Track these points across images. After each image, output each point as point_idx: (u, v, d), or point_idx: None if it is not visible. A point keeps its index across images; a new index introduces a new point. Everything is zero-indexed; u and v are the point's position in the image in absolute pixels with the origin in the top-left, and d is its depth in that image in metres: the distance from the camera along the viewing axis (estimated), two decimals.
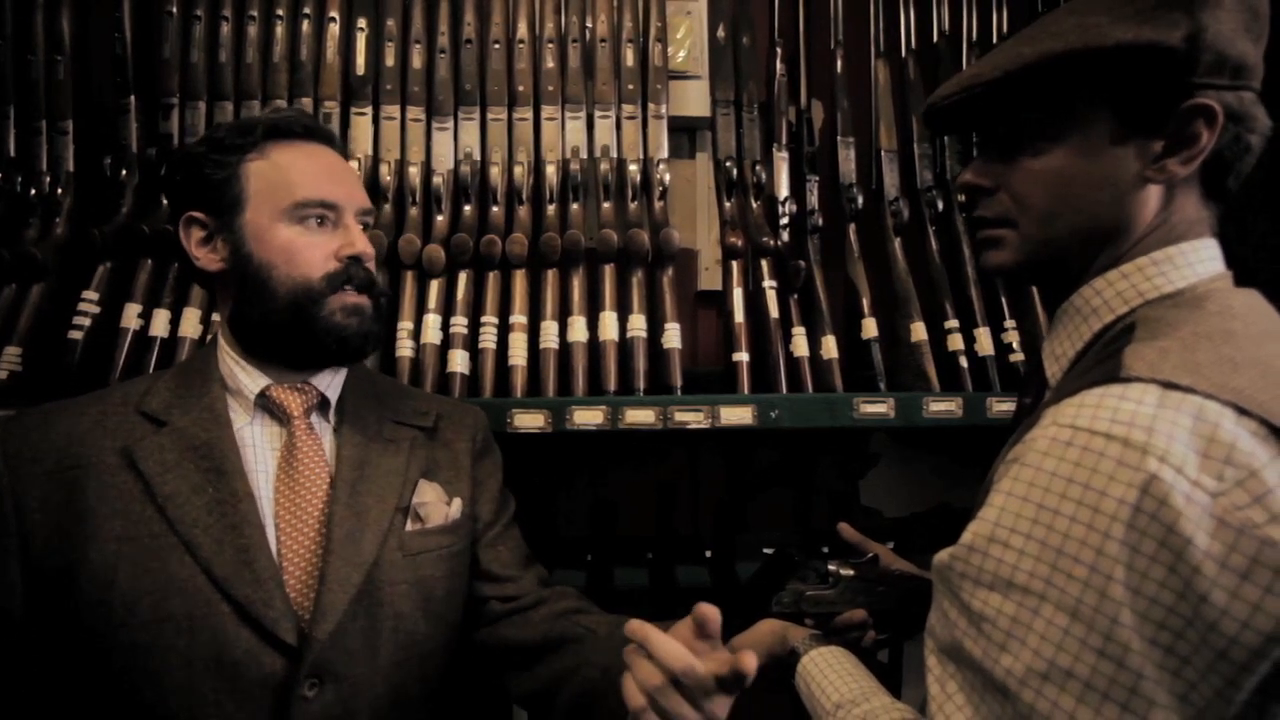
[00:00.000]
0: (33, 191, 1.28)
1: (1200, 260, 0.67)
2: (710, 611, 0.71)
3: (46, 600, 0.80)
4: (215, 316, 1.24)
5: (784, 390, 1.29)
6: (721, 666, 0.69)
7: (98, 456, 0.82)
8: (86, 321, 1.22)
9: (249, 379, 0.88)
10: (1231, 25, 0.64)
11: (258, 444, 0.87)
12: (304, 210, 0.86)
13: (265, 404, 0.89)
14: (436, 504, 0.93)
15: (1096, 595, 0.55)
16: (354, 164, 1.31)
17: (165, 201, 1.25)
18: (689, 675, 0.68)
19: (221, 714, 0.78)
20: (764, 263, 1.35)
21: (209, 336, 1.23)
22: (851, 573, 0.93)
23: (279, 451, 0.87)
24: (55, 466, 0.82)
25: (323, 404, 0.92)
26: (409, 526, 0.90)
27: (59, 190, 1.28)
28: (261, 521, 0.82)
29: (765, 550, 1.07)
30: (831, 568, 0.94)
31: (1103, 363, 0.64)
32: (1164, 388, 0.57)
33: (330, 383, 0.92)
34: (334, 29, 1.34)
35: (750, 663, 0.68)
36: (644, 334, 1.28)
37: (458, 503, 0.95)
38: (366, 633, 0.84)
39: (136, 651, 0.78)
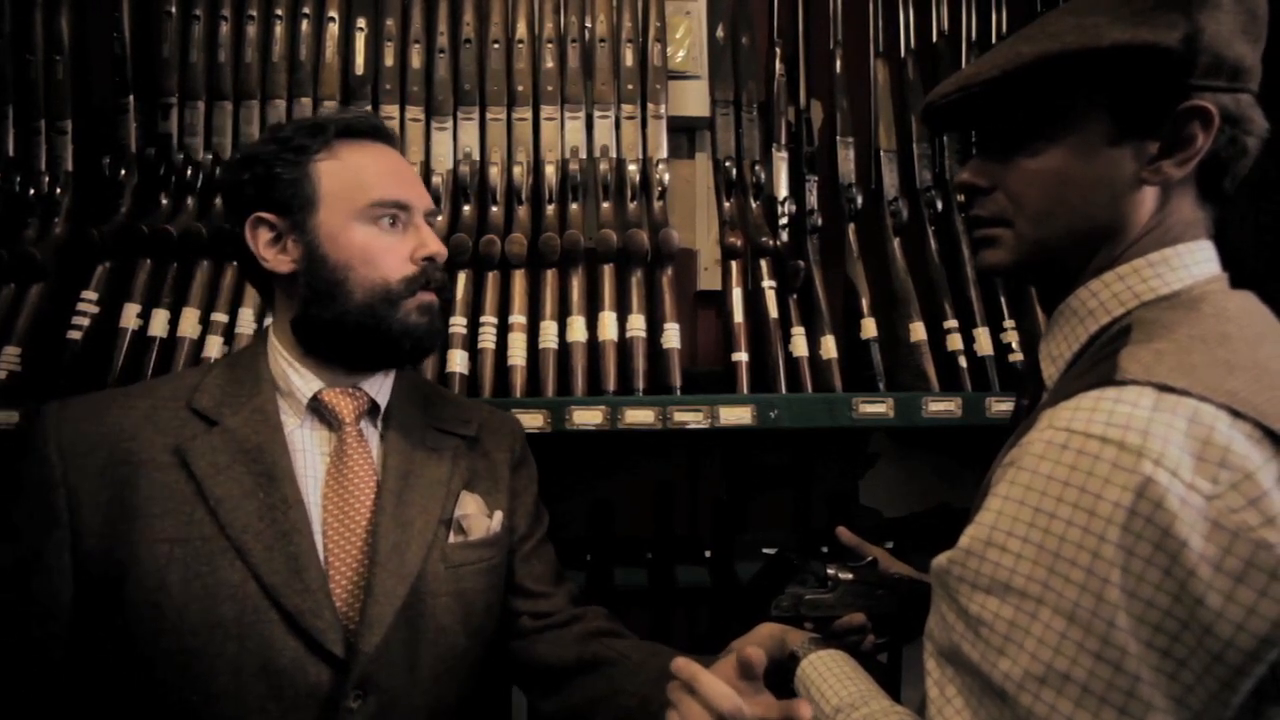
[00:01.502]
0: (32, 191, 1.28)
1: (1196, 262, 0.67)
2: (756, 655, 0.73)
3: (95, 597, 0.79)
4: (215, 316, 1.24)
5: (783, 390, 1.29)
6: (770, 711, 0.72)
7: (149, 454, 0.81)
8: (85, 321, 1.22)
9: (302, 381, 0.87)
10: (1230, 27, 0.64)
11: (308, 449, 0.86)
12: (379, 210, 0.86)
13: (317, 408, 0.87)
14: (478, 516, 0.92)
15: (1093, 598, 0.55)
16: None
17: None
18: (737, 717, 0.69)
19: None
20: (763, 263, 1.35)
21: (207, 337, 1.23)
22: (850, 576, 0.93)
23: (328, 457, 0.86)
24: (108, 461, 0.80)
25: (372, 409, 0.91)
26: (451, 539, 0.89)
27: (58, 190, 1.28)
28: (311, 529, 0.82)
29: (765, 550, 1.07)
30: (830, 571, 0.94)
31: (1098, 365, 0.64)
32: (1159, 390, 0.57)
33: (380, 387, 0.91)
34: (333, 28, 1.34)
35: (804, 712, 0.70)
36: (643, 334, 1.28)
37: (499, 515, 0.94)
38: (409, 645, 0.84)
39: (185, 655, 0.77)
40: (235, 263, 1.25)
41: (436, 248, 0.88)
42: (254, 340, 0.93)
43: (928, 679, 0.65)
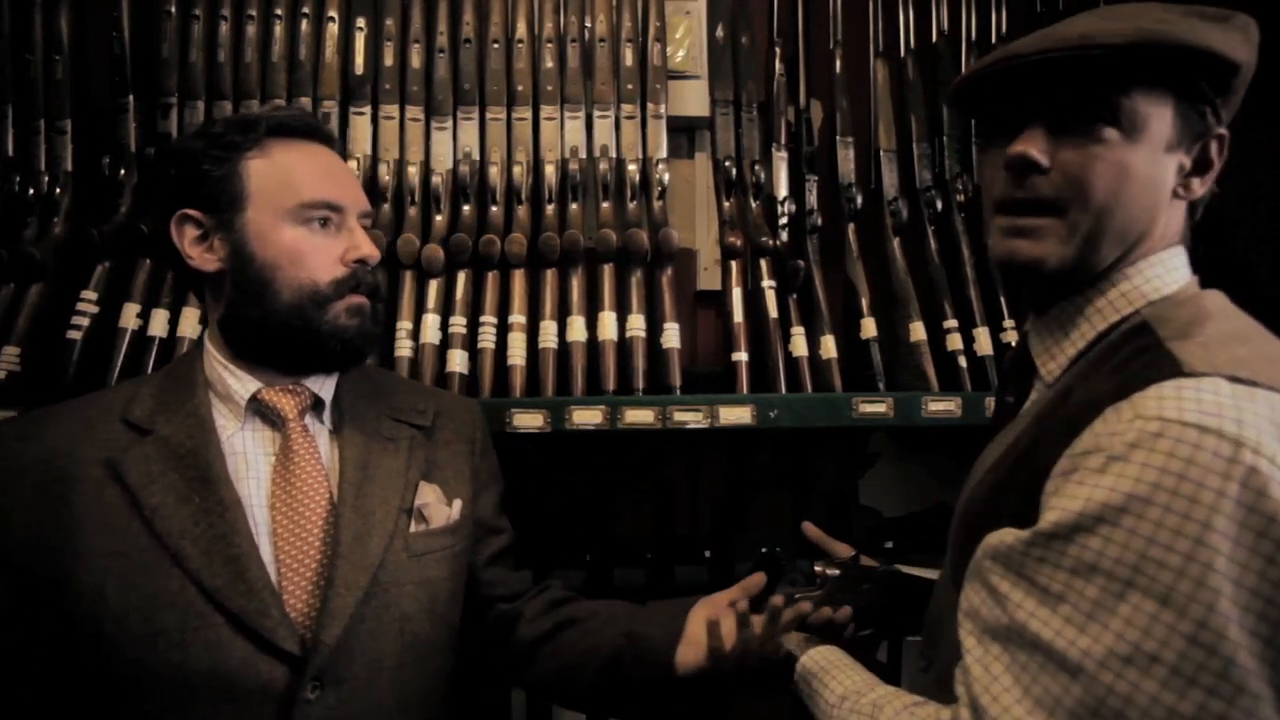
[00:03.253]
0: (31, 191, 1.27)
1: (1181, 265, 0.71)
2: (757, 579, 0.94)
3: (35, 618, 0.79)
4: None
5: (783, 390, 1.29)
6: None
7: (82, 469, 0.80)
8: (85, 321, 1.22)
9: (239, 383, 0.86)
10: (1251, 70, 0.68)
11: (249, 450, 0.85)
12: (309, 211, 0.85)
13: (258, 408, 0.87)
14: (438, 505, 0.92)
15: (1192, 584, 0.56)
16: (353, 164, 1.31)
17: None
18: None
19: None
20: (763, 262, 1.34)
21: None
22: (837, 572, 0.94)
23: (274, 456, 0.86)
24: (41, 479, 0.80)
25: (316, 404, 0.90)
26: (413, 528, 0.89)
27: (57, 190, 1.28)
28: (251, 529, 0.81)
29: (763, 550, 1.07)
30: (818, 569, 0.95)
31: (1134, 359, 0.65)
32: (1231, 381, 0.59)
33: (324, 384, 0.91)
34: (333, 28, 1.34)
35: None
36: (643, 334, 1.28)
37: (458, 504, 0.94)
38: (373, 635, 0.84)
39: (132, 666, 0.77)
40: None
41: (369, 250, 0.87)
42: (193, 347, 0.92)
43: (967, 656, 0.66)
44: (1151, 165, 0.68)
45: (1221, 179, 0.72)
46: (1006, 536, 0.65)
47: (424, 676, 0.88)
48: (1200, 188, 0.70)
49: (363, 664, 0.83)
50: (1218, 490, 0.56)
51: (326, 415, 0.91)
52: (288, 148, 0.87)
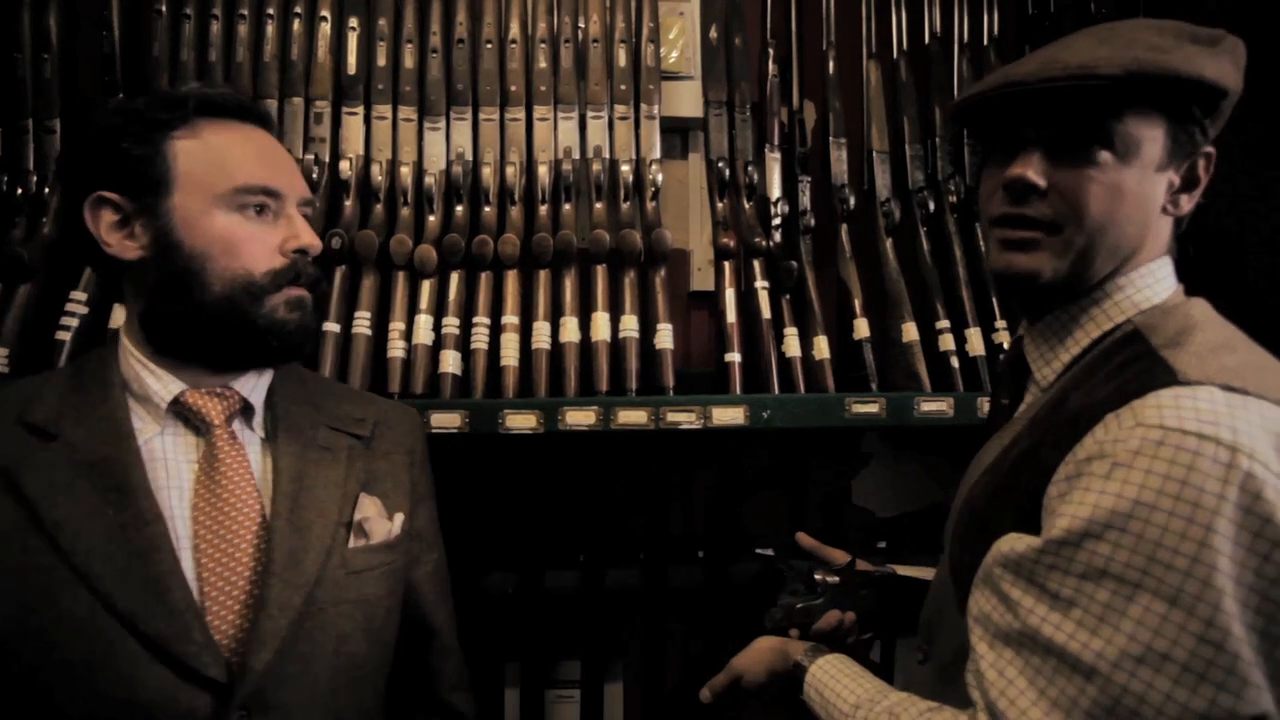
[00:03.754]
0: (19, 191, 1.26)
1: (1168, 275, 0.74)
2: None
3: None
4: None
5: (776, 390, 1.29)
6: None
7: None
8: (74, 322, 1.21)
9: (159, 384, 0.78)
10: (1239, 91, 0.70)
11: (169, 457, 0.78)
12: (244, 197, 0.78)
13: (179, 411, 0.79)
14: (378, 519, 0.86)
15: (1198, 584, 0.59)
16: (345, 164, 1.31)
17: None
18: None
19: None
20: (756, 263, 1.35)
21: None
22: (836, 580, 0.95)
23: (196, 465, 0.79)
24: None
25: (246, 409, 0.83)
26: (352, 542, 0.83)
27: (46, 189, 1.27)
28: (174, 545, 0.74)
29: (757, 550, 1.07)
30: (818, 577, 0.95)
31: (1127, 366, 0.68)
32: (1224, 390, 0.62)
33: (254, 386, 0.84)
34: (325, 28, 1.33)
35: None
36: (636, 334, 1.28)
37: (399, 518, 0.89)
38: (306, 658, 0.78)
39: (36, 698, 0.70)
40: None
41: (309, 240, 0.81)
42: (106, 343, 0.84)
43: (980, 662, 0.67)
44: (1144, 185, 0.70)
45: (1212, 188, 0.75)
46: (1017, 544, 0.67)
47: (359, 698, 0.84)
48: (1188, 203, 0.73)
49: (295, 689, 0.77)
50: (1218, 494, 0.59)
51: (257, 422, 0.84)
52: (220, 129, 0.79)
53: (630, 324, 1.28)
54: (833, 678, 0.81)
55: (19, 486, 0.73)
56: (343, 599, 0.82)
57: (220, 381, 0.82)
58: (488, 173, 1.33)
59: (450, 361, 1.24)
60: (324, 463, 0.85)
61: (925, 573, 0.95)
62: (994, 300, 1.40)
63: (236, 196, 0.78)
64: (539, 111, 1.36)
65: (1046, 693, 0.63)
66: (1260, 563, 0.59)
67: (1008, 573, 0.67)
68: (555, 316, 1.28)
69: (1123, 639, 0.60)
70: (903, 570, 0.99)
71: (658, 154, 1.36)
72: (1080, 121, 0.69)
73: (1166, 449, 0.61)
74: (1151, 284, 0.73)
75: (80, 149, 0.80)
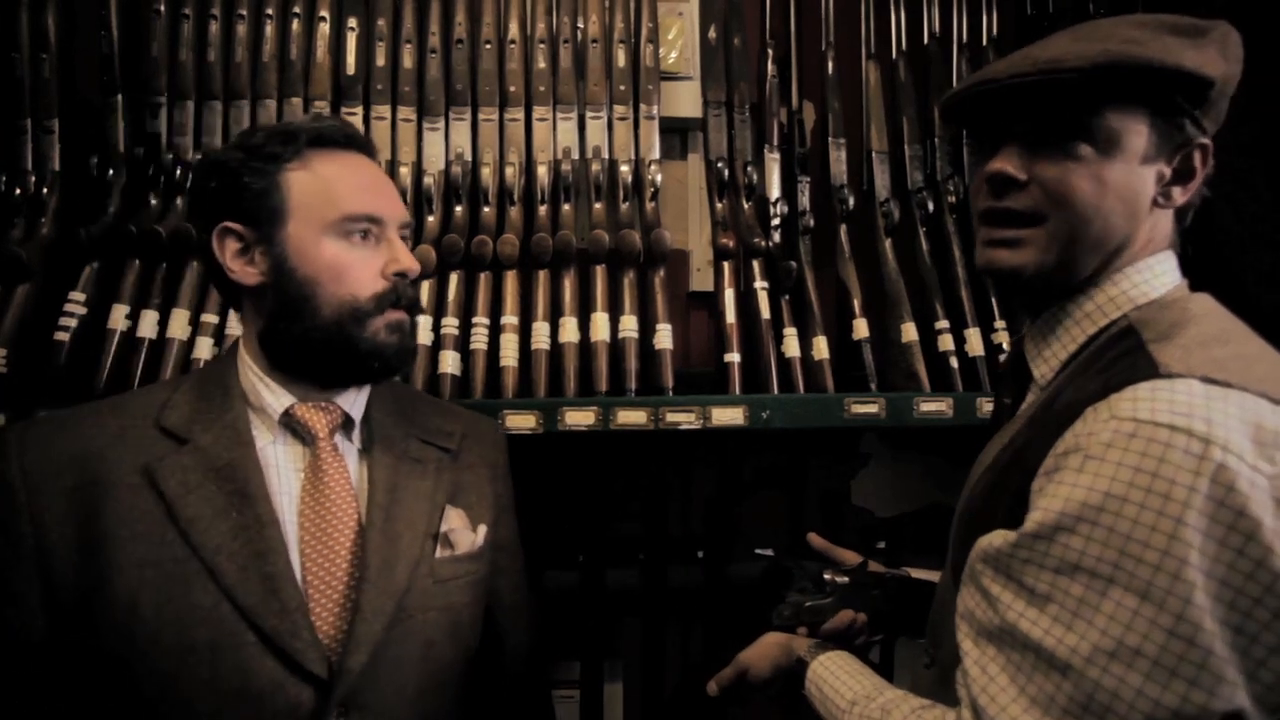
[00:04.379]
0: (18, 191, 1.26)
1: (1169, 269, 0.73)
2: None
3: (69, 624, 0.77)
4: (205, 318, 1.23)
5: (775, 391, 1.29)
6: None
7: (117, 475, 0.79)
8: (73, 323, 1.21)
9: (273, 397, 0.85)
10: (1233, 83, 0.69)
11: (281, 465, 0.84)
12: (350, 224, 0.83)
13: (288, 423, 0.85)
14: (463, 530, 0.91)
15: (1169, 578, 0.58)
16: None
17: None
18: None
19: None
20: (755, 263, 1.35)
21: (196, 338, 1.22)
22: (846, 579, 0.94)
23: (303, 473, 0.84)
24: (76, 484, 0.78)
25: (346, 423, 0.88)
26: (439, 553, 0.88)
27: (45, 190, 1.27)
28: (287, 549, 0.80)
29: (757, 550, 1.07)
30: (827, 576, 0.94)
31: (1118, 361, 0.67)
32: (1205, 382, 0.61)
33: (355, 400, 0.89)
34: (324, 28, 1.33)
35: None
36: (635, 335, 1.28)
37: (483, 529, 0.93)
38: (398, 662, 0.82)
39: (162, 679, 0.76)
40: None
41: (409, 263, 0.86)
42: (224, 353, 0.90)
43: (965, 659, 0.67)
44: (1127, 177, 0.70)
45: (1210, 185, 0.74)
46: (995, 539, 0.67)
47: (443, 701, 0.87)
48: (1182, 196, 0.71)
49: (386, 691, 0.81)
50: (1189, 486, 0.58)
51: (355, 434, 0.89)
52: (328, 159, 0.85)
53: (629, 324, 1.28)
54: (832, 674, 0.81)
55: (158, 484, 0.79)
56: (430, 606, 0.86)
57: (325, 396, 0.87)
58: (487, 173, 1.33)
59: (449, 362, 1.24)
60: (414, 475, 0.90)
61: (939, 576, 0.95)
62: (993, 300, 1.40)
63: (343, 224, 0.83)
64: (538, 112, 1.36)
65: (1026, 690, 0.62)
66: (1234, 556, 0.58)
67: (988, 568, 0.67)
68: (554, 317, 1.28)
69: (1095, 634, 0.60)
70: (916, 573, 0.99)
71: (657, 154, 1.36)
72: (1055, 115, 0.69)
73: (1138, 441, 0.60)
74: (1150, 279, 0.72)
75: (205, 183, 0.85)
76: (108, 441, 0.80)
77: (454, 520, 0.90)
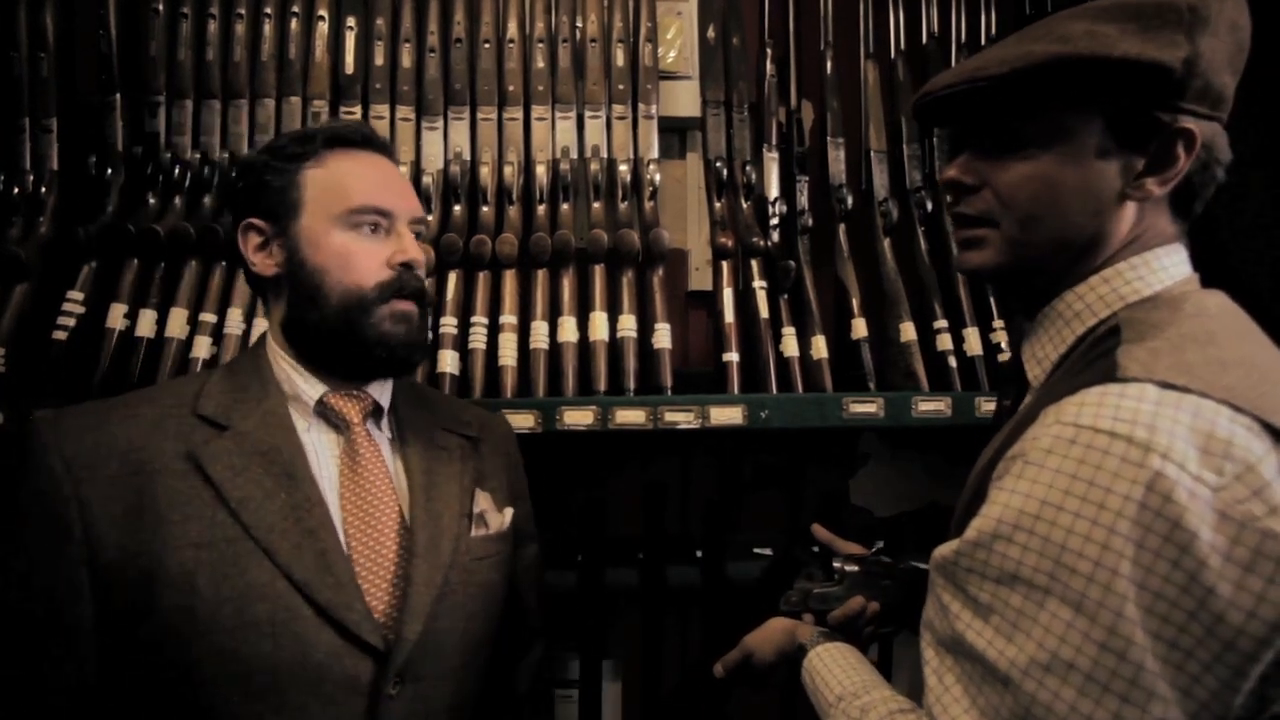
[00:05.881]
0: (16, 190, 1.26)
1: (1173, 264, 0.70)
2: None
3: (118, 609, 0.78)
4: (203, 317, 1.23)
5: (774, 390, 1.29)
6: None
7: (161, 461, 0.81)
8: (71, 322, 1.21)
9: (308, 385, 0.88)
10: (1221, 56, 0.66)
11: (319, 450, 0.87)
12: (358, 217, 0.86)
13: (322, 411, 0.88)
14: (492, 511, 0.95)
15: (1101, 590, 0.56)
16: None
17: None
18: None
19: (307, 717, 0.78)
20: (754, 263, 1.35)
21: (194, 337, 1.22)
22: (856, 568, 0.93)
23: (339, 458, 0.87)
24: (118, 471, 0.80)
25: (376, 411, 0.92)
26: (474, 531, 0.92)
27: (43, 189, 1.27)
28: (335, 527, 0.83)
29: (755, 550, 1.07)
30: (837, 564, 0.93)
31: (1094, 363, 0.65)
32: (1161, 387, 0.59)
33: (383, 390, 0.93)
34: (322, 27, 1.33)
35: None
36: (634, 334, 1.28)
37: (509, 512, 0.97)
38: (445, 634, 0.86)
39: (222, 657, 0.77)
40: (224, 263, 1.26)
41: (415, 253, 0.88)
42: (253, 346, 0.93)
43: (926, 668, 0.66)
44: (1083, 174, 0.68)
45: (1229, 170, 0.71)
46: (946, 547, 0.66)
47: (477, 678, 0.91)
48: (1159, 187, 0.67)
49: (436, 661, 0.85)
50: (1124, 494, 0.56)
51: (385, 423, 0.93)
52: (343, 157, 0.89)
53: (628, 324, 1.28)
54: (826, 666, 0.80)
55: (204, 468, 0.81)
56: (470, 582, 0.89)
57: (354, 385, 0.90)
58: (485, 172, 1.33)
59: (448, 361, 1.24)
60: (443, 460, 0.94)
61: None
62: (991, 299, 1.40)
63: (352, 216, 0.87)
64: (537, 111, 1.36)
65: (976, 701, 0.61)
66: (1168, 568, 0.55)
67: (940, 576, 0.66)
68: (553, 316, 1.28)
69: (1033, 646, 0.58)
70: (926, 567, 0.98)
71: (655, 154, 1.36)
72: (991, 121, 0.70)
73: (1077, 448, 0.58)
74: (1145, 274, 0.69)
75: (235, 183, 0.91)
76: (145, 430, 0.82)
77: (482, 502, 0.94)
